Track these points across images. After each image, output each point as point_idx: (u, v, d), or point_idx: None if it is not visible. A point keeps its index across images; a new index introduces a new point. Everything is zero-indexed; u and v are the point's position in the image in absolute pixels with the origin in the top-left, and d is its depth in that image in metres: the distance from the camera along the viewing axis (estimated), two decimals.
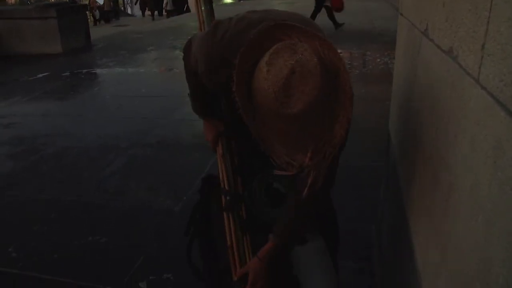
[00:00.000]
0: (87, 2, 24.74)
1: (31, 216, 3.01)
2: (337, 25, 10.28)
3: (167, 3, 25.02)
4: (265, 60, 1.05)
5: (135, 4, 26.59)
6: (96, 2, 26.01)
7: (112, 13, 23.25)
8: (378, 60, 7.01)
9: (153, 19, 24.40)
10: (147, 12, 25.68)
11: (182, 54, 1.73)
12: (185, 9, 24.29)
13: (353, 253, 2.34)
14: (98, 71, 7.82)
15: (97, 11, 25.01)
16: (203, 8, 2.01)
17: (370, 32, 9.85)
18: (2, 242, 2.71)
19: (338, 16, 10.42)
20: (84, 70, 7.80)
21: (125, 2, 37.85)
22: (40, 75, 7.54)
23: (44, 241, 2.71)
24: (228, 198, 1.75)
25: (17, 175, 3.68)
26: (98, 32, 13.13)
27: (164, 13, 24.83)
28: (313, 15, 9.99)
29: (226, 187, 1.77)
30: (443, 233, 0.96)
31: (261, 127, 1.14)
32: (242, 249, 1.77)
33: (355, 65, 7.07)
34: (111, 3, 24.19)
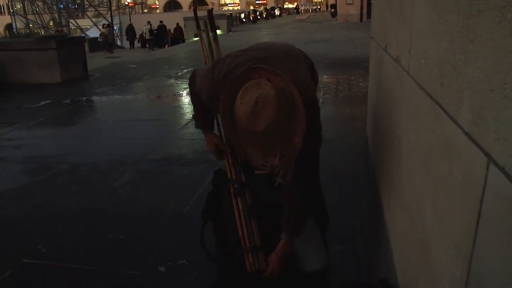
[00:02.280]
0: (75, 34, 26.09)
1: (53, 220, 3.38)
2: None
3: (145, 33, 26.89)
4: (239, 95, 1.52)
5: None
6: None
7: (113, 44, 24.29)
8: (361, 84, 7.55)
9: (131, 48, 26.41)
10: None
11: (188, 85, 2.24)
12: (165, 40, 26.17)
13: (341, 239, 2.76)
14: (97, 98, 8.24)
15: None
16: (205, 39, 2.53)
17: (353, 59, 10.46)
18: (31, 241, 3.07)
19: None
20: (84, 98, 8.22)
21: (115, 34, 38.77)
22: (42, 103, 7.92)
23: (68, 239, 3.08)
24: (236, 185, 2.18)
25: (35, 187, 4.05)
26: (92, 63, 13.58)
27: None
28: None
29: (234, 178, 2.19)
30: (397, 189, 1.39)
31: (240, 141, 1.60)
32: (250, 231, 2.18)
33: (340, 89, 7.60)
34: (113, 36, 25.46)
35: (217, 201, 2.30)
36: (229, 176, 2.23)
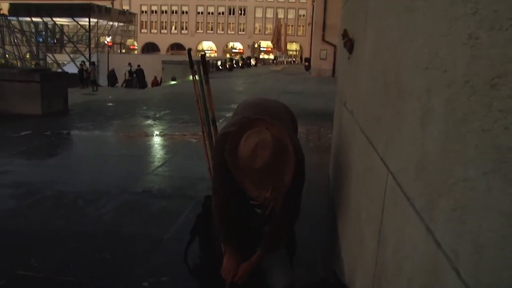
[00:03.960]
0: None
1: (44, 238, 3.67)
2: None
3: (125, 73, 28.26)
4: (243, 139, 1.98)
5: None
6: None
7: (95, 82, 24.56)
8: (329, 135, 8.11)
9: (110, 86, 27.59)
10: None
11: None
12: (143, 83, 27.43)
13: (304, 264, 3.16)
14: (78, 132, 8.54)
15: None
16: (198, 85, 2.98)
17: (323, 111, 11.12)
18: (24, 256, 3.35)
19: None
20: (65, 131, 8.53)
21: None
22: (23, 133, 8.17)
23: (59, 255, 3.38)
24: None
25: (23, 209, 4.33)
26: (69, 99, 13.83)
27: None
28: None
29: None
30: (347, 206, 1.84)
31: (241, 176, 2.05)
32: None
33: (310, 138, 8.17)
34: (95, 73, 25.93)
35: (206, 221, 2.70)
36: None
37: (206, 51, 71.34)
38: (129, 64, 29.32)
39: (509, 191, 0.51)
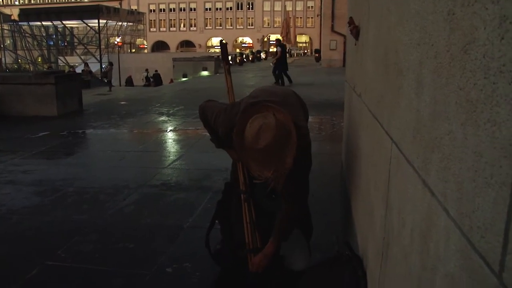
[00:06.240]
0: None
1: (68, 231, 3.83)
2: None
3: (142, 79, 29.14)
4: (249, 122, 2.13)
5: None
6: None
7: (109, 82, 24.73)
8: (342, 124, 8.20)
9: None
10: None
11: (200, 117, 2.80)
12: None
13: (320, 249, 3.28)
14: (94, 131, 8.72)
15: None
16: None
17: (335, 101, 11.19)
18: (51, 248, 3.52)
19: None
20: (81, 131, 8.72)
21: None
22: (41, 134, 8.37)
23: (84, 247, 3.54)
24: (245, 195, 2.73)
25: (47, 206, 4.50)
26: (83, 99, 14.07)
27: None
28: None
29: (244, 189, 2.75)
30: (358, 185, 1.94)
31: (245, 155, 2.18)
32: (253, 231, 2.72)
33: (322, 128, 8.26)
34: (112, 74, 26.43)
35: (226, 206, 2.84)
36: (241, 187, 2.79)
37: (216, 47, 71.39)
38: (146, 70, 30.13)
39: (478, 133, 0.62)
